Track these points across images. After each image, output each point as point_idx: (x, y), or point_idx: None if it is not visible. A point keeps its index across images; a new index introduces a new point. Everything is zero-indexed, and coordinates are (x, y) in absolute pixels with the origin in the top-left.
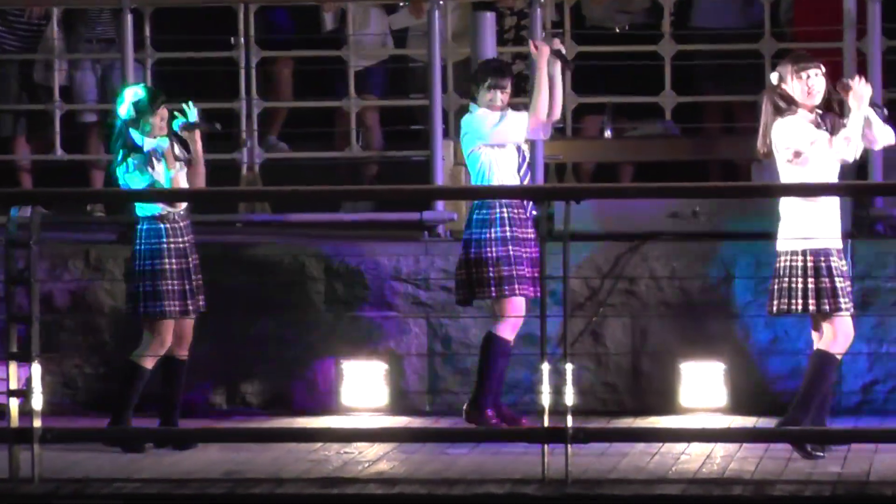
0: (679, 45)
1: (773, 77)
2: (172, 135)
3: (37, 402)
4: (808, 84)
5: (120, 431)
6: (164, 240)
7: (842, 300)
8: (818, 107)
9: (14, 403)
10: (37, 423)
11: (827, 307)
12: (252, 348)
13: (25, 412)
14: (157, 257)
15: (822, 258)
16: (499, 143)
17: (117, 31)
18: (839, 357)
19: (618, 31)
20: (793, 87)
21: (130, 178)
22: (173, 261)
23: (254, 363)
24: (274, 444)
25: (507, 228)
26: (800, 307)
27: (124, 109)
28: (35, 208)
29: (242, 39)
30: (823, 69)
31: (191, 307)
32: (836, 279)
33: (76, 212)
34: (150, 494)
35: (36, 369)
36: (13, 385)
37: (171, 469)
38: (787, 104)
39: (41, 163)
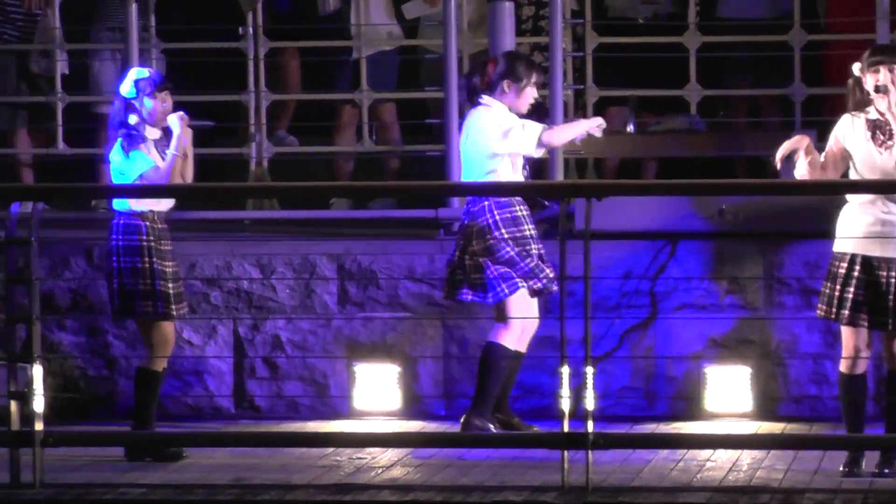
0: (705, 36)
1: (855, 67)
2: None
3: (38, 404)
4: (877, 81)
5: (137, 436)
6: (145, 237)
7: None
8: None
9: (14, 406)
10: (38, 426)
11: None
12: (261, 350)
13: (26, 415)
14: (136, 254)
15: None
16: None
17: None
18: (842, 371)
19: (641, 21)
20: (866, 81)
21: (127, 165)
22: (155, 259)
23: (263, 366)
24: (283, 450)
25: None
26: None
27: (126, 87)
28: (35, 204)
29: (251, 29)
30: None
31: (174, 312)
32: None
33: (78, 208)
34: (155, 501)
35: (37, 371)
36: (13, 387)
37: (177, 475)
38: (862, 99)
39: (43, 157)
